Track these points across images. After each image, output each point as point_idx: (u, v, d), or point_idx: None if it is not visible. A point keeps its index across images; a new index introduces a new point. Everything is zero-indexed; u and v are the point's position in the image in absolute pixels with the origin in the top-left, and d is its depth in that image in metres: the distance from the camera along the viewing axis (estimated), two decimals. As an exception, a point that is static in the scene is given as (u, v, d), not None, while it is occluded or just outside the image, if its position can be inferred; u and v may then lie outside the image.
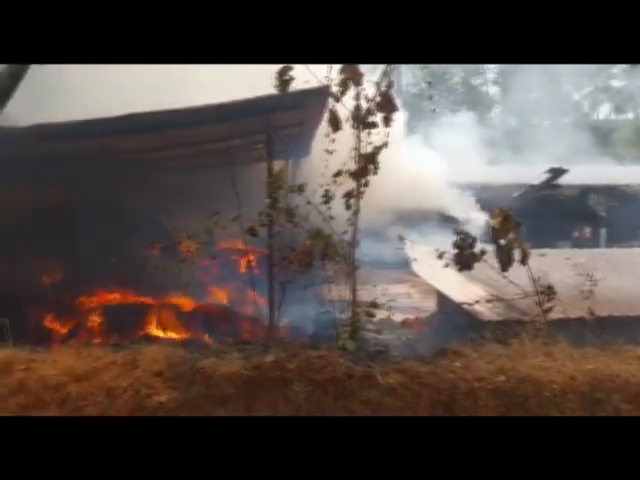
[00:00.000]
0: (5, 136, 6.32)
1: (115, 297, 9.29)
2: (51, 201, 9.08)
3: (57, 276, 9.56)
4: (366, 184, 4.59)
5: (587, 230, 17.66)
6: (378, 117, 4.56)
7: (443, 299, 7.80)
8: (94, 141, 7.35)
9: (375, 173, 4.58)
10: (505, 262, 4.78)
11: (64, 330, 8.22)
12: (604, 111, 39.19)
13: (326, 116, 4.85)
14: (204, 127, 7.20)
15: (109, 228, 9.11)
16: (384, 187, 5.55)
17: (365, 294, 4.95)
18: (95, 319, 8.48)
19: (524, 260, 4.75)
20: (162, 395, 3.71)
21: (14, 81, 5.20)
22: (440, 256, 5.00)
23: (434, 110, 5.97)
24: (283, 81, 4.62)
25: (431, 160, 15.03)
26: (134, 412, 3.62)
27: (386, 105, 4.51)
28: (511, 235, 4.76)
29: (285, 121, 7.18)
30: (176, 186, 10.15)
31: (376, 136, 4.60)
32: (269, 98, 5.99)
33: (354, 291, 4.60)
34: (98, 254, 8.77)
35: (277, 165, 5.85)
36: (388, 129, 4.57)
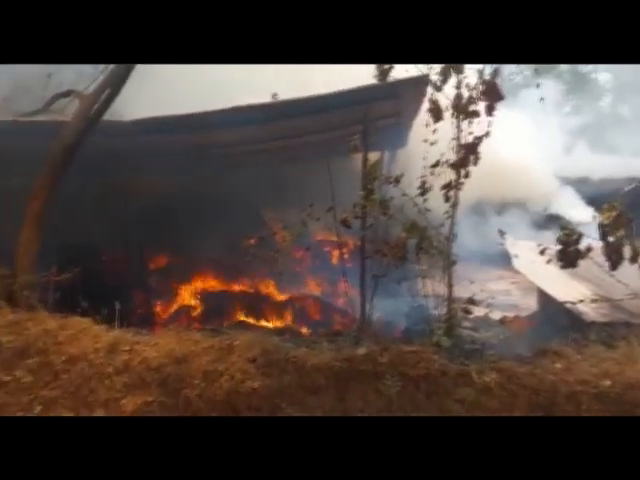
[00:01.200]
0: (114, 129, 6.68)
1: (214, 284, 9.64)
2: (157, 193, 9.53)
3: (161, 262, 10.06)
4: (466, 175, 4.44)
5: None
6: (480, 106, 4.38)
7: (544, 297, 7.43)
8: (197, 134, 7.62)
9: (476, 164, 4.41)
10: (615, 260, 4.47)
11: (166, 314, 8.63)
12: None
13: (425, 106, 4.72)
14: (302, 119, 7.25)
15: (210, 218, 9.44)
16: (484, 179, 5.33)
17: (461, 290, 4.79)
18: (195, 305, 8.85)
19: (635, 258, 4.42)
20: (255, 381, 3.78)
21: (122, 79, 5.49)
22: (542, 252, 4.76)
23: (542, 99, 5.62)
24: (383, 70, 4.55)
25: (534, 151, 14.32)
26: (229, 396, 3.72)
27: (491, 93, 4.32)
28: (621, 232, 4.43)
29: (382, 111, 7.09)
30: (274, 178, 10.33)
31: (477, 126, 4.43)
32: (367, 89, 5.94)
33: (450, 286, 4.46)
34: (199, 243, 9.10)
35: (373, 157, 5.78)
36: (491, 118, 4.38)
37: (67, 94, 6.90)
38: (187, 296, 9.22)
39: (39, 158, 5.36)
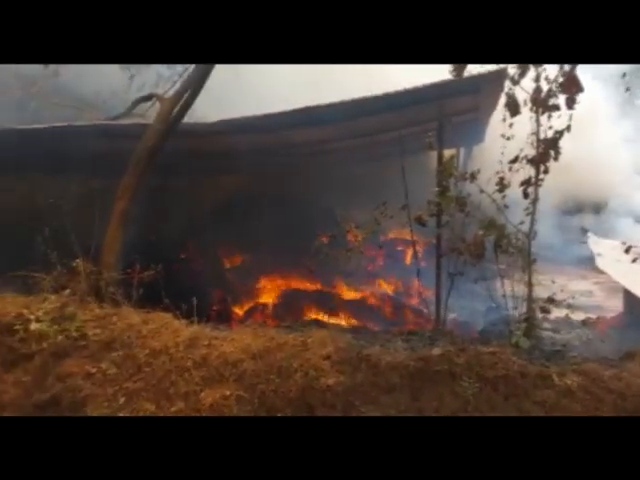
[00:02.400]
0: (193, 132, 6.89)
1: (288, 282, 9.77)
2: (233, 193, 9.77)
3: (237, 261, 10.30)
4: (546, 171, 4.27)
5: None
6: (560, 99, 4.21)
7: (631, 298, 7.06)
8: (273, 135, 7.75)
9: (556, 159, 4.24)
10: None
11: (241, 311, 8.83)
12: None
13: (502, 100, 4.59)
14: (377, 117, 7.23)
15: (285, 218, 9.58)
16: (566, 174, 5.13)
17: (541, 290, 4.62)
18: (269, 302, 9.01)
19: None
20: (329, 378, 3.79)
21: (201, 81, 5.66)
22: (627, 250, 4.53)
23: (628, 90, 5.30)
24: (458, 66, 4.46)
25: (620, 146, 13.61)
26: (304, 393, 3.74)
27: (570, 86, 4.14)
28: None
29: (458, 107, 6.96)
30: (348, 177, 10.35)
31: (557, 120, 4.26)
32: (444, 84, 5.84)
33: (530, 286, 4.31)
34: (274, 242, 9.26)
35: (448, 153, 5.69)
36: (571, 112, 4.20)
37: (149, 98, 7.19)
38: (262, 294, 9.40)
39: (123, 160, 5.61)
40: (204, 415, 3.64)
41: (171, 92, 6.07)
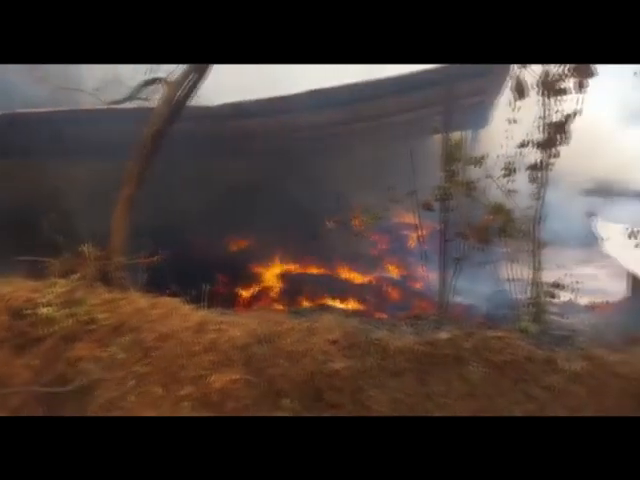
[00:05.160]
0: (201, 114, 6.86)
1: (294, 267, 9.79)
2: (241, 176, 9.74)
3: (243, 244, 10.31)
4: (555, 155, 4.25)
5: None
6: (570, 82, 4.17)
7: (636, 282, 7.06)
8: (279, 118, 7.71)
9: (566, 143, 4.22)
10: None
11: (248, 295, 8.86)
12: None
13: (509, 83, 4.55)
14: (386, 99, 7.18)
15: (292, 201, 9.56)
16: (574, 159, 5.10)
17: (546, 274, 4.63)
18: (276, 287, 9.03)
19: None
20: (337, 363, 3.82)
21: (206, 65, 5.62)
22: (631, 235, 4.53)
23: (636, 74, 5.23)
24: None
25: (629, 128, 13.47)
26: (312, 377, 3.77)
27: (581, 69, 4.10)
28: None
29: (466, 90, 6.90)
30: (354, 161, 10.31)
31: (566, 103, 4.23)
32: (450, 67, 5.80)
33: (537, 270, 4.32)
34: (282, 226, 9.25)
35: (455, 137, 5.65)
36: (581, 95, 4.16)
37: (153, 81, 7.14)
38: (268, 278, 9.42)
39: (129, 144, 5.59)
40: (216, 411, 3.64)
41: (177, 75, 6.00)
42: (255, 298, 8.69)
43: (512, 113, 4.54)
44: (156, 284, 5.00)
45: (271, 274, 9.50)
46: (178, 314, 4.44)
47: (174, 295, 4.70)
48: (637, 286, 7.10)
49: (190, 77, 5.71)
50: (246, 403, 3.66)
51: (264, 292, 8.90)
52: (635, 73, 5.81)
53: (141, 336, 4.19)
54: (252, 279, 9.31)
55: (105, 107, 7.64)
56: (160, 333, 4.20)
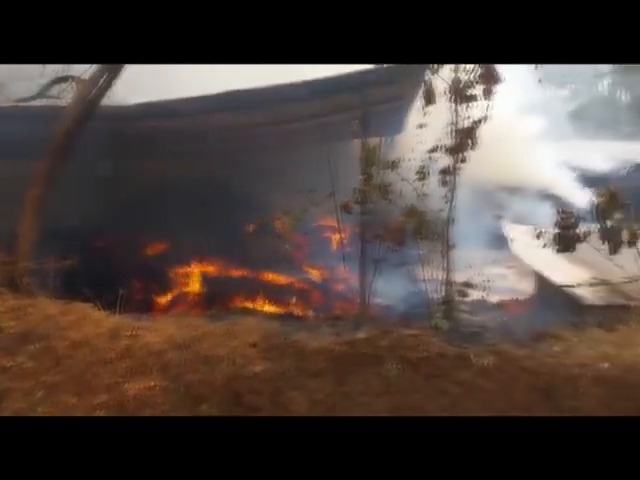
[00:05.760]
0: (110, 115, 6.65)
1: (213, 270, 9.65)
2: (155, 178, 9.52)
3: (159, 248, 10.06)
4: (463, 160, 4.45)
5: None
6: (478, 90, 4.37)
7: (542, 281, 7.47)
8: (194, 119, 7.60)
9: (473, 148, 4.42)
10: (614, 244, 4.50)
11: (165, 300, 8.65)
12: None
13: (421, 90, 4.72)
14: (300, 103, 7.23)
15: (210, 204, 9.45)
16: (482, 163, 5.35)
17: (459, 274, 4.83)
18: (194, 290, 8.88)
19: (632, 242, 4.45)
20: (257, 366, 3.82)
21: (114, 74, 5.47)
22: (538, 236, 4.79)
23: (540, 81, 5.57)
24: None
25: (532, 135, 14.28)
26: (230, 381, 3.75)
27: (488, 76, 4.31)
28: (618, 215, 4.46)
29: (381, 96, 7.07)
30: (272, 163, 10.31)
31: (475, 110, 4.43)
32: (365, 73, 5.92)
33: (448, 270, 4.50)
34: (198, 229, 9.11)
35: (372, 142, 5.79)
36: (489, 102, 4.37)
37: (65, 79, 6.86)
38: (186, 282, 9.24)
39: (38, 143, 5.35)
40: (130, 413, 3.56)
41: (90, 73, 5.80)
42: (173, 302, 8.50)
43: (424, 118, 4.70)
44: (68, 289, 4.82)
45: (189, 278, 9.33)
46: (91, 320, 4.31)
47: (87, 301, 4.55)
48: (543, 285, 7.50)
49: (104, 76, 5.54)
50: (163, 409, 3.57)
51: (182, 296, 8.72)
52: (539, 80, 6.18)
53: (51, 344, 4.03)
54: (170, 283, 9.10)
55: (10, 105, 7.25)
56: (72, 340, 4.06)
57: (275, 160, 10.24)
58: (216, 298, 8.31)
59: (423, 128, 4.53)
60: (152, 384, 3.70)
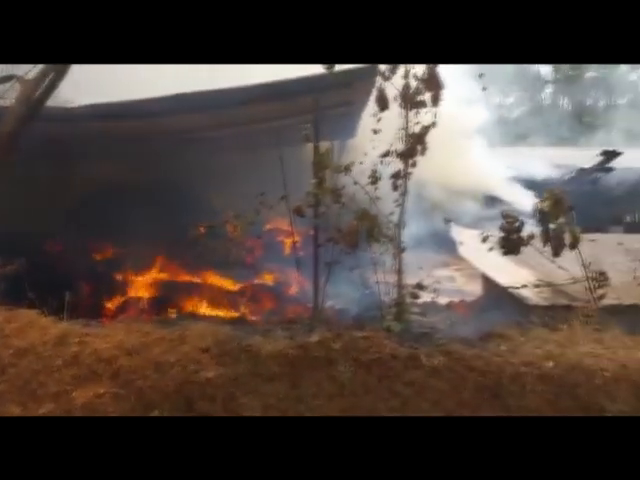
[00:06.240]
0: (58, 116, 6.48)
1: (164, 275, 9.51)
2: (104, 181, 9.31)
3: (108, 253, 9.84)
4: (414, 165, 4.54)
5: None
6: (427, 96, 4.47)
7: (489, 283, 7.68)
8: (145, 121, 7.48)
9: (423, 154, 4.51)
10: (556, 247, 4.68)
11: (115, 306, 8.47)
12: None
13: (374, 95, 4.78)
14: (252, 106, 7.22)
15: (159, 207, 9.28)
16: (431, 168, 5.46)
17: (410, 277, 4.91)
18: (144, 296, 8.72)
19: (574, 245, 4.63)
20: (209, 371, 3.79)
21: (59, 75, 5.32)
22: (484, 240, 4.93)
23: (485, 89, 5.74)
24: (333, 60, 4.58)
25: (478, 142, 14.69)
26: (182, 387, 3.71)
27: (432, 82, 4.42)
28: (561, 219, 4.64)
29: (333, 101, 7.13)
30: (224, 166, 10.24)
31: (425, 116, 4.53)
32: (317, 77, 5.95)
33: (400, 273, 4.57)
34: (148, 233, 8.95)
35: (323, 146, 5.83)
36: (436, 108, 4.48)
37: (8, 79, 6.62)
38: (136, 287, 9.07)
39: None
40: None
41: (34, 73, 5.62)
42: (122, 308, 8.32)
43: (376, 124, 4.76)
44: (12, 295, 4.66)
45: (140, 283, 9.16)
46: (37, 327, 4.17)
47: (32, 307, 4.41)
48: (490, 287, 7.71)
49: (49, 76, 5.38)
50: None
51: (132, 301, 8.56)
52: (484, 89, 6.37)
53: (-6, 352, 3.89)
54: (119, 288, 8.91)
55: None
56: (16, 348, 3.93)
57: (228, 163, 10.17)
58: (167, 303, 8.19)
59: (376, 133, 4.58)
60: (101, 391, 3.63)
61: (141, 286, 9.10)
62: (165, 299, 8.51)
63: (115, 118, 7.13)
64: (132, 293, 8.89)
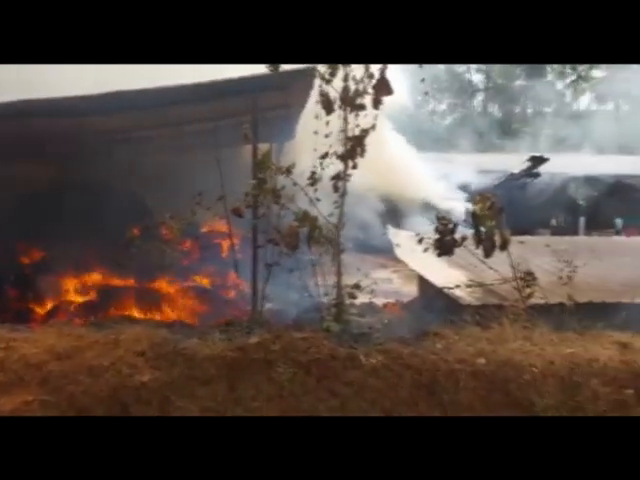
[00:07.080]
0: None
1: (97, 278, 9.20)
2: (32, 181, 8.93)
3: (36, 256, 9.43)
4: (354, 167, 4.57)
5: (566, 218, 17.85)
6: (366, 99, 4.51)
7: (424, 284, 7.86)
8: (76, 119, 7.21)
9: (362, 156, 4.56)
10: (488, 248, 4.83)
11: (44, 310, 8.14)
12: (585, 101, 39.30)
13: (315, 98, 4.79)
14: (188, 106, 7.10)
15: (91, 208, 8.98)
16: (370, 171, 5.53)
17: (348, 278, 4.95)
18: (76, 299, 8.41)
19: (504, 246, 4.80)
20: (144, 375, 3.70)
21: None
22: (420, 241, 5.04)
23: (427, 93, 5.90)
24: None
25: (412, 147, 15.06)
26: (116, 391, 3.61)
27: (382, 88, 4.46)
28: (492, 222, 4.80)
29: (270, 102, 7.10)
30: (160, 166, 10.01)
31: (364, 119, 4.57)
32: (253, 78, 5.91)
33: (339, 274, 4.60)
34: (80, 235, 8.63)
35: (262, 147, 5.80)
36: (377, 112, 4.53)
37: None
38: (67, 290, 8.73)
39: None
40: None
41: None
42: (53, 312, 7.99)
43: (317, 126, 4.77)
44: None
45: (71, 286, 8.82)
46: (-41, 333, 3.95)
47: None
48: (425, 287, 7.89)
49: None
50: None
51: (63, 305, 8.23)
52: (426, 93, 6.51)
53: None
54: (48, 291, 8.55)
55: None
56: (-63, 356, 3.71)
57: (163, 163, 9.97)
58: (99, 307, 7.93)
59: (317, 135, 4.59)
60: (30, 398, 3.48)
61: (72, 289, 8.77)
62: (98, 303, 8.24)
63: (47, 115, 6.84)
64: (63, 297, 8.55)
